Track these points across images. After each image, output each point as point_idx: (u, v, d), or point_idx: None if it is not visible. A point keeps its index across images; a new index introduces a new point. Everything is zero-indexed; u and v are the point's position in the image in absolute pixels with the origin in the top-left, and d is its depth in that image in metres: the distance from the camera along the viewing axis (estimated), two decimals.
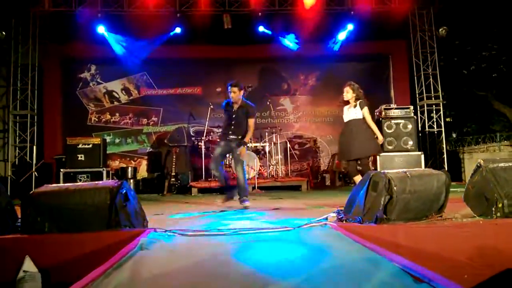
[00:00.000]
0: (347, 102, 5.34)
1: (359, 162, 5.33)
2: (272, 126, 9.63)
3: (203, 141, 9.02)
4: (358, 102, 5.24)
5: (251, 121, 5.37)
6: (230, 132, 5.32)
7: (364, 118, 5.20)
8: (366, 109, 5.22)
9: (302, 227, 3.09)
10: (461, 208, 3.46)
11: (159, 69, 10.53)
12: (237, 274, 1.99)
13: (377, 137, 5.23)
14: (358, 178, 5.24)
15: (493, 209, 3.10)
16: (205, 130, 9.13)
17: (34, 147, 8.96)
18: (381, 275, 1.87)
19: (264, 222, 3.82)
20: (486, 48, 12.41)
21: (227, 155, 6.28)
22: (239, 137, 5.33)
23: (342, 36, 9.70)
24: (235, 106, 5.33)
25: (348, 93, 5.29)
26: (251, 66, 10.78)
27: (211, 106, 9.23)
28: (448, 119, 13.83)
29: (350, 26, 9.58)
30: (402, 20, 9.70)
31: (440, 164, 9.37)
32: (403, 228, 2.88)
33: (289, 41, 9.70)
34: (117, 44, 9.46)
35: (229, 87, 5.27)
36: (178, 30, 9.50)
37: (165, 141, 9.95)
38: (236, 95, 5.27)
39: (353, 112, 5.26)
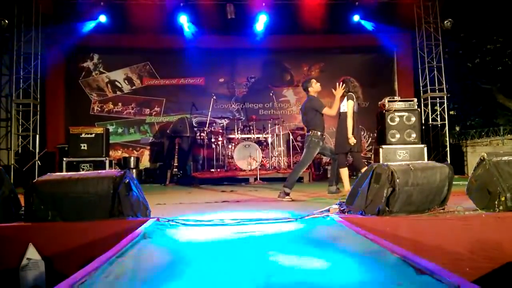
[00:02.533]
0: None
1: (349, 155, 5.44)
2: (275, 117, 9.61)
3: (205, 132, 9.02)
4: (347, 95, 5.30)
5: None
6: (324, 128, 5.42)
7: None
8: (350, 102, 5.27)
9: (304, 218, 3.10)
10: (464, 201, 3.46)
11: (162, 59, 10.49)
12: (240, 263, 2.00)
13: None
14: (344, 171, 5.31)
15: (496, 202, 3.10)
16: (208, 121, 9.12)
17: (37, 136, 8.96)
18: (383, 267, 1.87)
19: (267, 213, 3.83)
20: (491, 41, 12.29)
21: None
22: None
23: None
24: None
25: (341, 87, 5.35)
26: (254, 57, 10.72)
27: (214, 97, 9.21)
28: (451, 112, 13.76)
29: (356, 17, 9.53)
30: (407, 12, 9.61)
31: (443, 157, 9.35)
32: (405, 220, 2.89)
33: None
34: None
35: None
36: (183, 19, 9.43)
37: (168, 131, 9.95)
38: None
39: (342, 105, 5.35)
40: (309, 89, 5.45)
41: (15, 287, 2.52)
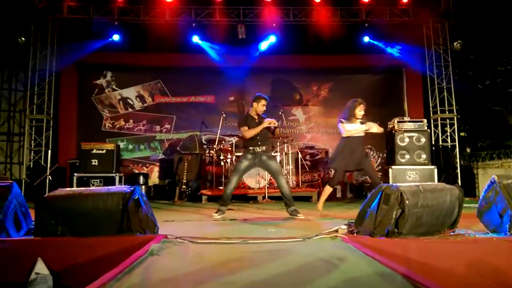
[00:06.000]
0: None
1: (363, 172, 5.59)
2: (284, 136, 9.61)
3: (214, 150, 9.05)
4: (365, 120, 5.48)
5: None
6: (259, 143, 5.31)
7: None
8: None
9: (312, 238, 3.07)
10: (474, 224, 3.41)
11: (173, 77, 10.65)
12: (246, 283, 1.99)
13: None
14: (328, 190, 5.60)
15: (507, 226, 3.06)
16: (217, 139, 9.16)
17: (49, 151, 9.08)
18: None
19: (274, 232, 3.81)
20: (501, 62, 12.29)
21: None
22: (268, 148, 5.45)
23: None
24: (258, 118, 5.39)
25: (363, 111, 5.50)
26: (264, 76, 10.83)
27: (224, 115, 9.27)
28: (462, 134, 13.66)
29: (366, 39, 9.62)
30: (416, 33, 9.68)
31: (454, 179, 9.24)
32: (415, 242, 2.85)
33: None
34: None
35: (264, 100, 5.37)
36: (196, 39, 9.63)
37: (177, 148, 10.02)
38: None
39: (362, 128, 5.45)
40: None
41: None
